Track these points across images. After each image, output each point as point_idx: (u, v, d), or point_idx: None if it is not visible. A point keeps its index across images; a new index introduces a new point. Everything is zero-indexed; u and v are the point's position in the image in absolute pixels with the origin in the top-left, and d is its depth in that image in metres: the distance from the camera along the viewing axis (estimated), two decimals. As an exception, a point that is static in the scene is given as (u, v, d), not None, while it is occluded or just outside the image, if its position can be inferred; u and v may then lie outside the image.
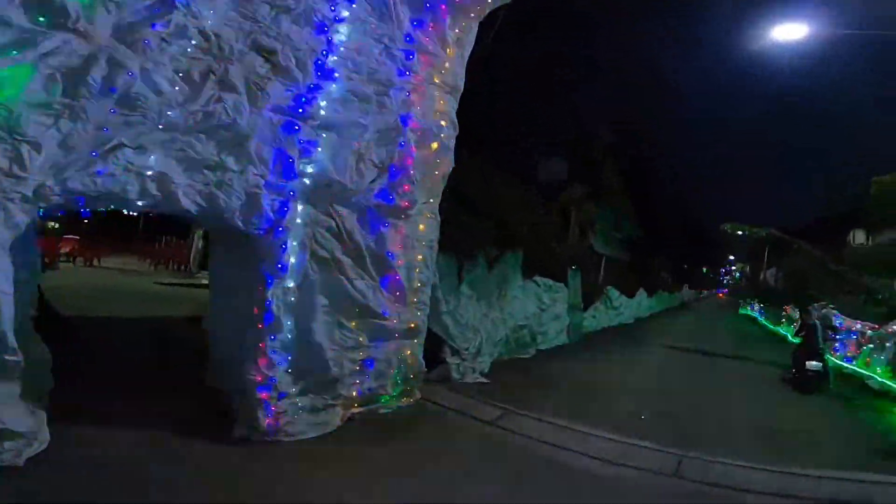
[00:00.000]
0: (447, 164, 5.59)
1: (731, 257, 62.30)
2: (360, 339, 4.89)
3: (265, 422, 3.96)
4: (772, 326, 20.60)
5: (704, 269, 66.75)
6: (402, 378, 5.41)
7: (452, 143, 5.62)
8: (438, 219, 5.67)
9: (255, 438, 3.89)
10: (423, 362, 5.69)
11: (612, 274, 19.83)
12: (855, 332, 9.90)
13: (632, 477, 3.98)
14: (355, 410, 4.87)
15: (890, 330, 8.16)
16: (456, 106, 5.64)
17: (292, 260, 4.31)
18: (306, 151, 4.22)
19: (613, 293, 16.02)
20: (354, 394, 4.86)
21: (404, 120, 4.88)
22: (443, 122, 5.39)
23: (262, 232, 4.11)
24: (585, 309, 13.46)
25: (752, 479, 3.91)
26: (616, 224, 27.02)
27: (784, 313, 18.35)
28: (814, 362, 7.59)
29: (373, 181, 4.74)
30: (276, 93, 3.92)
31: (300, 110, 4.10)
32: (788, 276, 20.97)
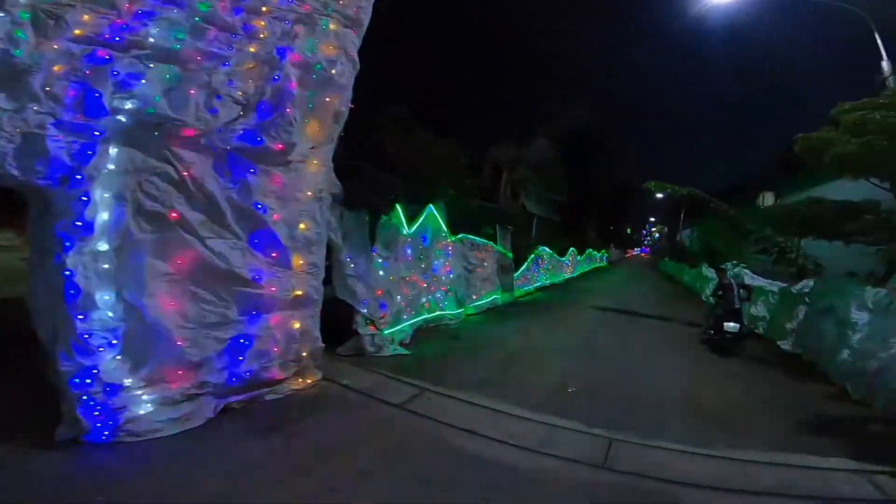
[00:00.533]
0: (341, 104, 4.68)
1: (652, 219, 66.32)
2: (227, 312, 3.85)
3: (89, 420, 3.07)
4: (686, 282, 21.84)
5: (629, 230, 70.74)
6: (293, 357, 4.47)
7: (349, 81, 4.77)
8: (330, 167, 4.72)
9: (86, 440, 3.06)
10: (319, 337, 4.73)
11: (544, 234, 19.74)
12: (765, 293, 10.22)
13: (555, 470, 3.38)
14: (234, 399, 3.93)
15: (800, 292, 8.30)
16: (358, 41, 4.87)
17: (103, 216, 3.19)
18: (125, 85, 3.23)
19: (545, 252, 15.82)
20: (226, 379, 3.89)
21: (282, 52, 4.10)
22: (335, 58, 4.52)
23: (52, 182, 3.03)
24: (517, 269, 13.06)
25: (685, 467, 3.47)
26: (548, 185, 27.08)
27: (693, 270, 19.35)
28: (731, 323, 7.54)
29: (233, 120, 3.75)
30: (78, 21, 3.09)
31: (116, 39, 3.22)
32: (702, 236, 22.01)
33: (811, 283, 8.02)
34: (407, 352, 6.32)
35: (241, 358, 3.98)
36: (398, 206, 7.05)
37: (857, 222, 6.52)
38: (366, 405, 4.44)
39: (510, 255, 11.86)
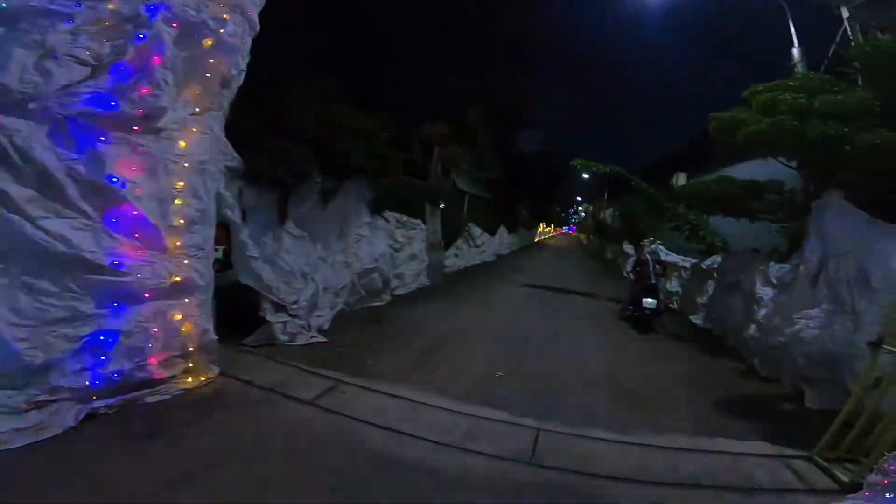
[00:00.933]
0: (231, 68, 4.10)
1: (579, 198, 69.37)
2: (79, 305, 3.14)
3: None
4: (609, 258, 23.03)
5: (558, 209, 73.49)
6: (178, 353, 3.83)
7: (243, 44, 4.25)
8: (219, 136, 4.11)
9: None
10: (210, 328, 4.10)
11: (475, 212, 19.63)
12: (678, 268, 10.82)
13: (480, 470, 3.10)
14: (101, 404, 3.29)
15: (709, 268, 8.78)
16: (259, 0, 4.43)
17: None
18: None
19: (476, 231, 15.71)
20: (89, 382, 3.24)
21: (153, 10, 3.58)
22: (225, 16, 3.98)
23: None
24: (447, 247, 12.80)
25: (612, 459, 3.34)
26: (480, 163, 26.98)
27: (621, 249, 20.41)
28: (648, 299, 7.81)
29: (76, 83, 3.14)
30: None
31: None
32: (623, 214, 23.10)
33: (719, 258, 8.51)
34: (325, 339, 5.81)
35: (103, 357, 3.31)
36: (313, 181, 6.40)
37: (762, 201, 6.88)
38: (270, 403, 3.93)
39: (440, 233, 11.53)
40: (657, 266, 8.38)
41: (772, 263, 6.11)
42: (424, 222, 10.68)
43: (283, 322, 5.64)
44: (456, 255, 13.87)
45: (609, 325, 8.29)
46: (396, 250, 8.99)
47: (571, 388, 4.85)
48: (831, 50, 6.80)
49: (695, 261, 10.06)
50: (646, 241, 16.05)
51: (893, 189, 4.95)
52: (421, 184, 12.84)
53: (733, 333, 6.85)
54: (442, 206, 12.16)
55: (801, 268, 5.27)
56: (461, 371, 5.06)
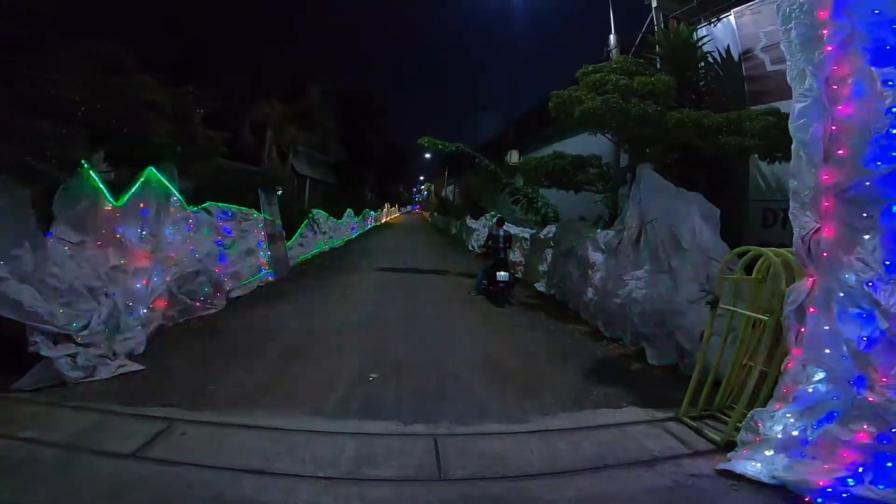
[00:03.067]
0: None
1: (422, 177, 71.41)
2: None
3: None
4: (453, 234, 24.12)
5: (402, 189, 74.52)
6: None
7: None
8: None
9: None
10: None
11: (319, 196, 18.35)
12: (519, 239, 11.63)
13: (386, 501, 2.61)
14: None
15: (546, 238, 9.57)
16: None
17: None
18: None
19: (320, 216, 14.58)
20: None
21: None
22: None
23: None
24: (291, 237, 11.54)
25: (517, 454, 3.17)
26: (323, 146, 25.34)
27: (464, 225, 21.45)
28: (501, 273, 8.14)
29: None
30: None
31: None
32: (464, 190, 24.25)
33: (553, 228, 9.32)
34: (141, 367, 4.54)
35: None
36: (89, 171, 4.81)
37: (585, 174, 7.61)
38: (72, 464, 2.82)
39: (279, 222, 10.27)
40: (503, 240, 8.77)
41: (599, 230, 6.82)
42: (260, 211, 9.35)
43: (70, 355, 4.24)
44: (301, 245, 12.66)
45: (467, 302, 8.42)
46: (227, 247, 7.62)
47: (450, 376, 4.63)
48: (639, 37, 7.78)
49: (533, 231, 10.91)
50: (487, 216, 17.11)
51: (686, 160, 5.85)
52: (252, 169, 11.26)
53: (574, 297, 7.52)
54: (280, 192, 10.83)
55: (625, 233, 5.93)
56: (330, 379, 4.42)
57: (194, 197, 7.13)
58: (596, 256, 6.79)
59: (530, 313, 7.73)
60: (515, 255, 11.60)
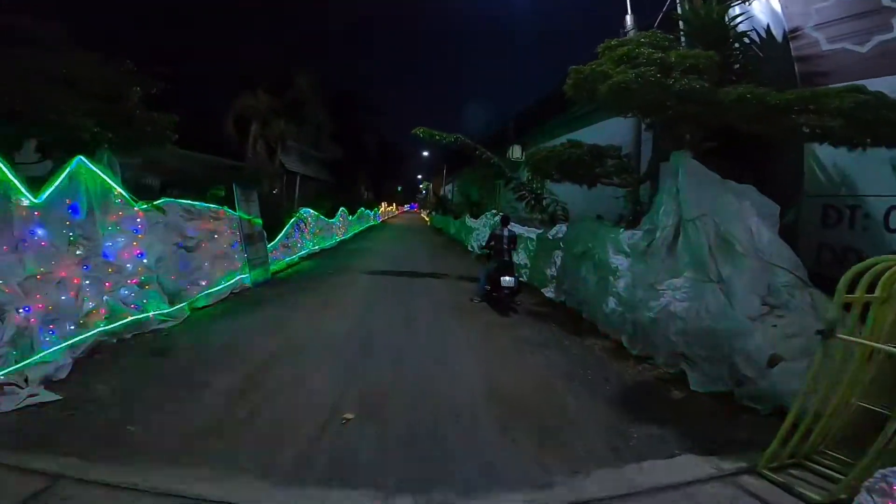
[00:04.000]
0: None
1: (420, 176, 70.33)
2: None
3: None
4: (452, 233, 23.10)
5: (399, 188, 73.54)
6: None
7: None
8: None
9: None
10: None
11: (311, 194, 17.35)
12: (524, 240, 10.62)
13: None
14: None
15: (555, 238, 8.58)
16: None
17: None
18: None
19: (309, 215, 13.55)
20: None
21: None
22: None
23: None
24: (273, 237, 10.53)
25: None
26: (315, 142, 24.33)
27: (463, 224, 20.45)
28: (507, 278, 7.16)
29: None
30: None
31: None
32: (462, 188, 23.28)
33: (564, 227, 8.33)
34: (57, 396, 3.56)
35: None
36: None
37: (604, 166, 6.62)
38: None
39: (259, 221, 9.26)
40: (510, 241, 7.79)
41: (622, 230, 5.82)
42: (236, 209, 8.34)
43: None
44: (287, 246, 11.64)
45: (468, 310, 7.43)
46: (189, 249, 6.61)
47: (448, 415, 3.63)
48: (660, 16, 6.82)
49: (539, 231, 9.92)
50: (488, 214, 16.12)
51: (727, 149, 4.87)
52: (228, 163, 10.27)
53: (589, 306, 6.54)
54: (274, 190, 9.83)
55: (658, 234, 4.94)
56: (292, 422, 3.42)
57: (163, 193, 6.13)
58: (618, 261, 5.80)
59: (540, 324, 6.73)
60: (520, 257, 10.61)
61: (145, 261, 5.49)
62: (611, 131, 8.66)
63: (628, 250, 5.64)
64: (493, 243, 7.97)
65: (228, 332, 5.69)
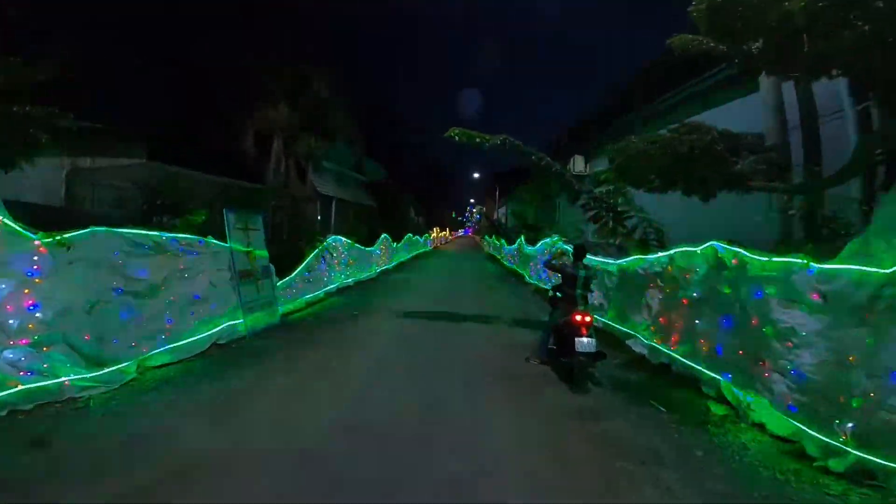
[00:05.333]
0: None
1: (472, 200, 68.85)
2: None
3: None
4: (509, 264, 20.64)
5: (453, 213, 72.45)
6: None
7: None
8: None
9: None
10: None
11: (348, 220, 15.81)
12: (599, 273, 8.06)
13: None
14: None
15: (648, 272, 6.06)
16: None
17: None
18: None
19: (340, 244, 11.82)
20: None
21: None
22: None
23: None
24: (287, 270, 8.79)
25: None
26: (358, 165, 23.23)
27: (518, 251, 18.02)
28: (584, 339, 4.73)
29: None
30: None
31: None
32: (516, 209, 20.95)
33: (666, 256, 5.78)
34: None
35: None
36: None
37: (744, 160, 4.13)
38: None
39: (263, 253, 7.52)
40: (587, 281, 5.39)
41: (810, 265, 3.26)
42: (227, 240, 6.64)
43: None
44: (309, 281, 9.89)
45: (522, 383, 5.07)
46: (139, 294, 4.85)
47: None
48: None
49: (620, 261, 7.37)
50: (548, 240, 13.66)
51: None
52: (247, 186, 8.81)
53: (721, 379, 3.97)
54: (296, 216, 8.16)
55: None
56: None
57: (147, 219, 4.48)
58: (795, 317, 3.27)
59: (637, 409, 4.29)
60: (592, 296, 8.07)
61: (39, 314, 3.72)
62: (725, 120, 6.09)
63: (821, 301, 3.10)
64: (562, 285, 5.62)
65: (162, 411, 3.83)
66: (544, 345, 5.65)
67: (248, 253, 7.09)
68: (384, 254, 17.51)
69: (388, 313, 8.75)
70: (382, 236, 17.14)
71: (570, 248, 10.91)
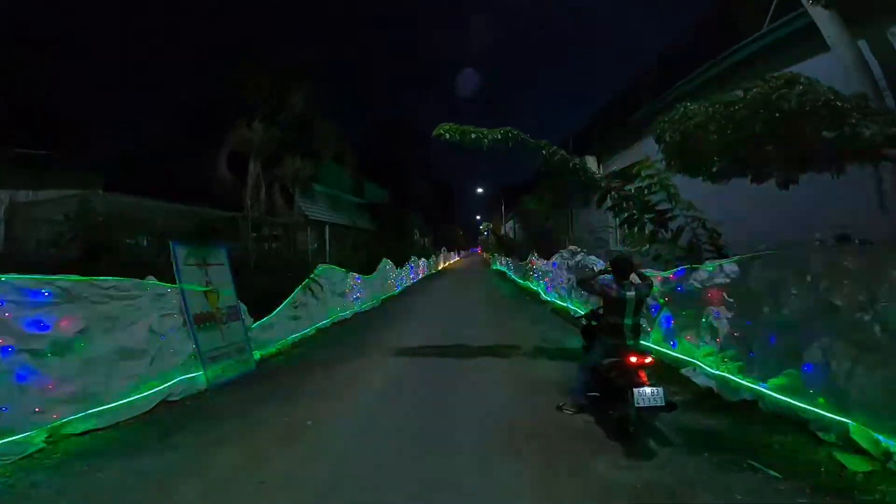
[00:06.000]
0: None
1: (478, 217, 67.71)
2: None
3: None
4: (521, 281, 19.23)
5: (461, 232, 71.36)
6: None
7: None
8: None
9: None
10: None
11: (346, 246, 14.64)
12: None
13: None
14: None
15: (706, 283, 4.73)
16: None
17: None
18: None
19: (334, 274, 10.57)
20: None
21: None
22: None
23: None
24: (261, 312, 7.55)
25: None
26: (358, 188, 22.25)
27: (530, 266, 16.66)
28: (646, 389, 3.37)
29: None
30: None
31: None
32: (523, 220, 19.61)
33: (734, 267, 4.43)
34: None
35: None
36: None
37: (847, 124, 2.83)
38: None
39: (228, 292, 6.32)
40: (638, 305, 4.00)
41: None
42: (177, 280, 5.46)
43: None
44: (295, 318, 8.65)
45: (555, 445, 3.74)
46: (38, 353, 3.66)
47: None
48: None
49: (663, 271, 6.01)
50: (564, 252, 12.32)
51: None
52: (177, 209, 7.69)
53: (868, 421, 2.62)
54: (228, 245, 7.01)
55: None
56: None
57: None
58: None
59: (735, 477, 3.01)
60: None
61: None
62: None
63: None
64: (602, 311, 4.28)
65: (49, 497, 2.58)
66: (580, 388, 4.29)
67: (207, 293, 5.89)
68: (385, 280, 16.27)
69: (384, 352, 7.42)
70: (382, 261, 15.93)
71: (594, 261, 9.57)
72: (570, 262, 10.95)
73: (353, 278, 12.17)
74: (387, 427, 4.27)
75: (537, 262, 15.58)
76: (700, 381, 4.79)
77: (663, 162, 4.50)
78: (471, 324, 10.00)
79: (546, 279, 13.68)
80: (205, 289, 5.86)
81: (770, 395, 3.89)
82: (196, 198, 8.83)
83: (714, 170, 3.62)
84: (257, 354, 6.85)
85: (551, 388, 5.10)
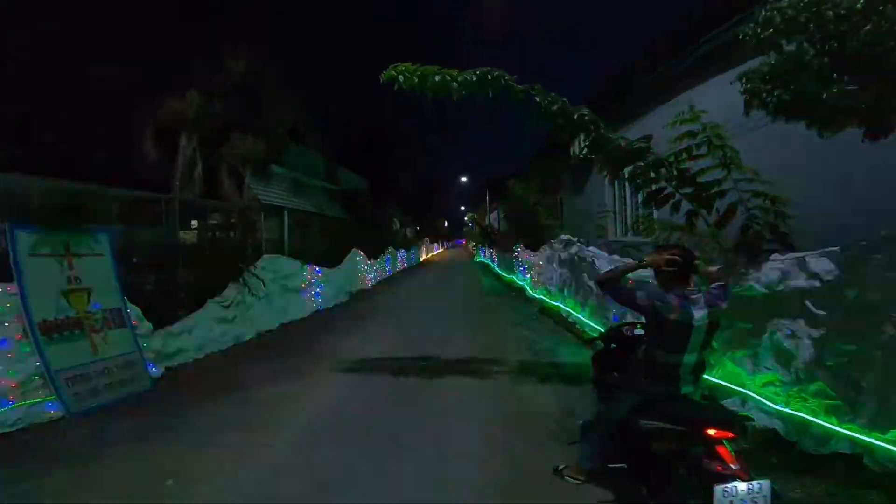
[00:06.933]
0: None
1: (462, 208, 66.13)
2: None
3: None
4: (506, 275, 17.76)
5: (446, 223, 69.71)
6: None
7: None
8: None
9: None
10: None
11: (311, 234, 12.97)
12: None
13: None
14: None
15: (787, 296, 3.29)
16: None
17: None
18: None
19: (271, 267, 8.82)
20: None
21: None
22: None
23: None
24: (188, 308, 5.94)
25: None
26: (331, 173, 20.46)
27: (516, 259, 15.18)
28: (743, 486, 1.86)
29: None
30: None
31: None
32: (511, 208, 18.10)
33: (828, 263, 2.97)
34: None
35: None
36: None
37: None
38: None
39: (110, 291, 4.68)
40: (711, 328, 2.37)
41: None
42: (15, 274, 3.81)
43: None
44: (227, 320, 7.03)
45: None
46: None
47: None
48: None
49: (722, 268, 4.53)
50: (557, 242, 10.86)
51: None
52: (144, 195, 6.06)
53: None
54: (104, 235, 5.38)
55: None
56: None
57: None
58: None
59: None
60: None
61: None
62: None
63: None
64: (645, 336, 2.71)
65: None
66: (594, 450, 2.79)
67: (69, 293, 4.24)
68: (354, 274, 14.66)
69: (330, 367, 5.85)
70: (351, 252, 14.31)
71: (596, 253, 7.98)
72: (562, 254, 9.47)
73: (313, 271, 10.54)
74: (303, 494, 2.73)
75: (522, 256, 14.11)
76: (756, 419, 3.35)
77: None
78: (447, 325, 8.48)
79: (532, 273, 12.23)
80: (68, 288, 4.22)
81: (885, 447, 2.48)
82: (119, 180, 7.15)
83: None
84: (158, 371, 5.23)
85: (543, 428, 3.64)
